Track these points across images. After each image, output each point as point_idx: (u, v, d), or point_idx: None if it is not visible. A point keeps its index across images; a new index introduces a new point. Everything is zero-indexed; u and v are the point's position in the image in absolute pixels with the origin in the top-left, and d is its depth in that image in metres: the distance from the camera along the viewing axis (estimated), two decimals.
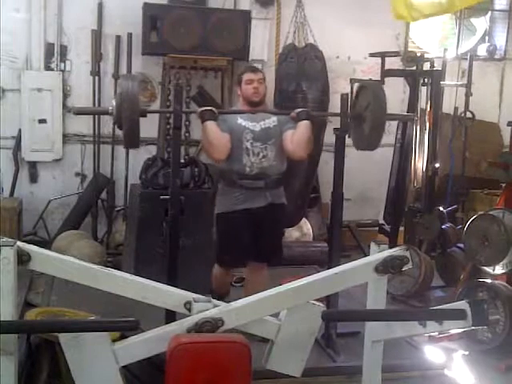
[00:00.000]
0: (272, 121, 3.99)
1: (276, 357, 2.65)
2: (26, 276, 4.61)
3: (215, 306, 2.54)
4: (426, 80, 5.45)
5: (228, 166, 3.96)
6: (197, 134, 5.50)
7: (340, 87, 5.89)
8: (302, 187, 5.46)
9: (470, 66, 6.00)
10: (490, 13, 7.38)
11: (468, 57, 6.17)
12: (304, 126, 3.88)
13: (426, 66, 5.54)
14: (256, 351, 2.46)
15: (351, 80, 5.76)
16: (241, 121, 3.94)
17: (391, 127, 5.90)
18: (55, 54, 6.01)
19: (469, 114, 6.10)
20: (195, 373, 2.32)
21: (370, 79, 5.87)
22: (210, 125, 3.79)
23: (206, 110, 3.83)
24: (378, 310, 2.71)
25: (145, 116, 3.48)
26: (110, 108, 3.43)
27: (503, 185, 5.08)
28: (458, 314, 2.61)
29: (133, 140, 3.45)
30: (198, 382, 2.33)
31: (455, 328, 2.86)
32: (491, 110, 7.15)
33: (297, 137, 3.89)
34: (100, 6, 5.98)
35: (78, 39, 6.04)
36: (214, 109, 3.86)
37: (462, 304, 2.64)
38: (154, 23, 5.71)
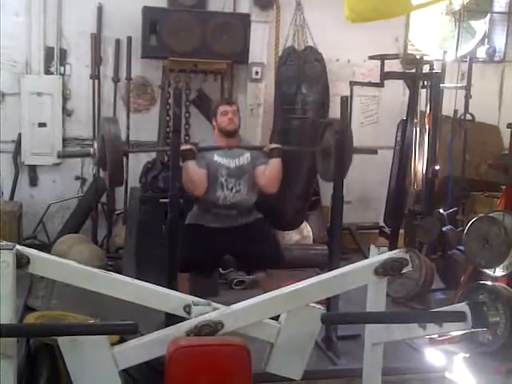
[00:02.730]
0: (246, 157, 4.22)
1: (276, 360, 2.65)
2: (26, 280, 4.60)
3: (215, 309, 2.54)
4: (425, 82, 5.45)
5: (203, 196, 4.16)
6: (197, 137, 5.49)
7: (340, 90, 5.87)
8: (302, 190, 5.45)
9: (470, 69, 5.99)
10: (489, 15, 7.37)
11: (467, 59, 6.16)
12: (276, 163, 4.15)
13: (426, 69, 5.54)
14: (256, 354, 2.46)
15: (351, 83, 5.79)
16: (217, 158, 4.17)
17: (391, 129, 5.89)
18: (55, 58, 6.01)
19: (468, 117, 6.08)
20: (195, 376, 2.32)
21: (370, 82, 5.89)
22: (191, 165, 4.04)
23: (186, 150, 4.06)
24: (378, 313, 2.70)
25: (126, 156, 3.74)
26: (92, 150, 3.67)
27: (503, 187, 5.07)
28: (458, 316, 2.61)
29: (117, 180, 3.69)
30: None
31: (455, 330, 2.86)
32: (491, 112, 7.13)
33: (268, 174, 4.17)
34: (99, 10, 5.99)
35: (78, 43, 6.04)
36: (193, 148, 4.12)
37: (462, 306, 2.64)
38: (153, 27, 5.72)
